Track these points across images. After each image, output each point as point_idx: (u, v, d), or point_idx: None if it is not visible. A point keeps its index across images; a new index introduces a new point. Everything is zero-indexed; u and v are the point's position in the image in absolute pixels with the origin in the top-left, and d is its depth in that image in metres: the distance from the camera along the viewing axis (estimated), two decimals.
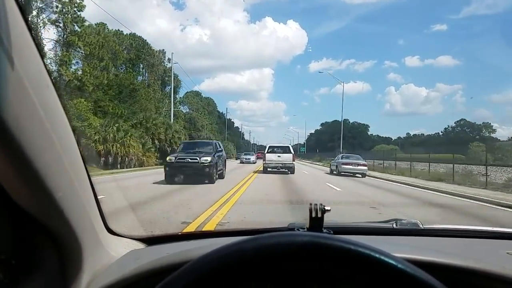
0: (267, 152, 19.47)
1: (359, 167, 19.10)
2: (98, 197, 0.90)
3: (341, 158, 20.40)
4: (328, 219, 0.86)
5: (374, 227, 1.38)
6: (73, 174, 0.71)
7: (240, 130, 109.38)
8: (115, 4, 68.79)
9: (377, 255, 0.50)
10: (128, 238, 1.14)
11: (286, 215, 6.43)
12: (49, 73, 0.61)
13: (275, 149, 19.50)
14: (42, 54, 0.59)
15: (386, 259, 0.50)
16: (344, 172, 19.03)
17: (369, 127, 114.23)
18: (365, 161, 20.30)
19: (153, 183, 11.61)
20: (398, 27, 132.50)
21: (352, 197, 9.87)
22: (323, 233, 0.79)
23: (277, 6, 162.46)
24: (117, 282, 0.77)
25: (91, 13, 45.80)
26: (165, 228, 4.96)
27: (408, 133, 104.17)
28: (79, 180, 0.75)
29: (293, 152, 19.57)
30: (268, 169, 18.92)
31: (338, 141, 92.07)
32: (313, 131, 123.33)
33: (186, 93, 63.89)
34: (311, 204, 0.81)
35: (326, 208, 0.81)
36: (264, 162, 19.57)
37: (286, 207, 7.62)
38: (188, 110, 60.70)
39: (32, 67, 0.55)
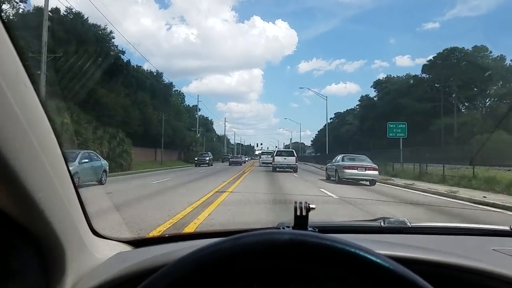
0: (276, 155, 26.11)
1: (367, 172, 15.54)
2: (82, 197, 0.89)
3: (342, 160, 16.60)
4: (319, 219, 0.89)
5: (361, 225, 1.41)
6: (54, 174, 0.71)
7: (197, 111, 62.36)
8: (96, 1, 62.89)
9: (352, 250, 0.51)
10: (114, 240, 1.15)
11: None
12: (28, 71, 0.62)
13: (282, 153, 26.62)
14: (20, 52, 0.59)
15: (361, 253, 0.51)
16: (347, 178, 15.58)
17: None
18: (375, 164, 16.31)
19: None
20: (389, 25, 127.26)
21: None
22: (307, 231, 0.80)
23: (266, 4, 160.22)
24: (100, 285, 0.79)
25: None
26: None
27: None
28: (60, 180, 0.75)
29: (296, 156, 25.96)
30: (277, 169, 24.69)
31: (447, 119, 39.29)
32: (321, 127, 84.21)
33: None
34: (295, 202, 0.83)
35: (311, 206, 0.83)
36: (273, 163, 25.63)
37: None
38: None
39: (8, 65, 0.57)
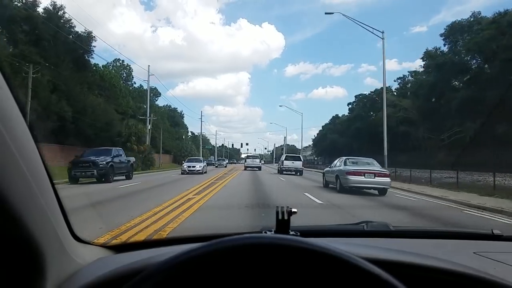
0: (285, 160, 28.77)
1: (377, 179, 12.48)
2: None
3: (345, 164, 13.62)
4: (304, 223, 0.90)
5: (344, 229, 1.41)
6: (31, 178, 0.71)
7: (147, 88, 40.70)
8: (80, 3, 54.71)
9: (318, 249, 0.52)
10: (96, 245, 1.14)
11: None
12: (4, 74, 0.62)
13: (289, 158, 29.27)
14: None
15: (337, 255, 0.52)
16: (351, 186, 12.55)
17: None
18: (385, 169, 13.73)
19: None
20: (376, 29, 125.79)
21: None
22: (289, 235, 0.81)
23: (252, 7, 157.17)
24: None
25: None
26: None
27: None
28: (38, 184, 0.75)
29: (302, 160, 29.66)
30: (284, 172, 27.40)
31: None
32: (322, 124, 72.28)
33: None
34: (277, 207, 0.85)
35: (293, 210, 0.85)
36: (281, 166, 28.42)
37: None
38: None
39: None
